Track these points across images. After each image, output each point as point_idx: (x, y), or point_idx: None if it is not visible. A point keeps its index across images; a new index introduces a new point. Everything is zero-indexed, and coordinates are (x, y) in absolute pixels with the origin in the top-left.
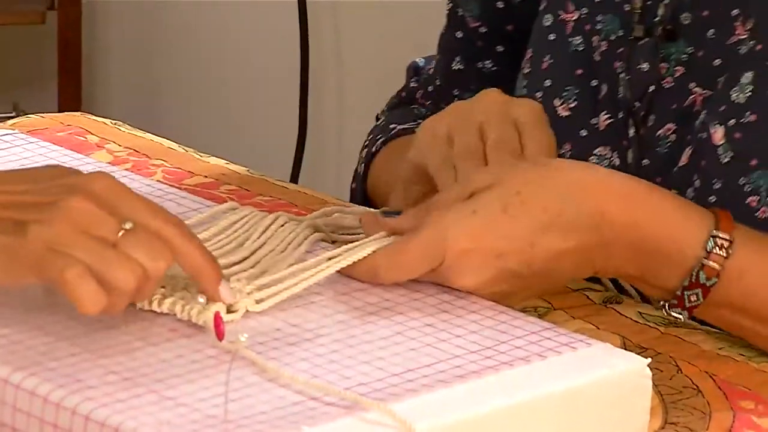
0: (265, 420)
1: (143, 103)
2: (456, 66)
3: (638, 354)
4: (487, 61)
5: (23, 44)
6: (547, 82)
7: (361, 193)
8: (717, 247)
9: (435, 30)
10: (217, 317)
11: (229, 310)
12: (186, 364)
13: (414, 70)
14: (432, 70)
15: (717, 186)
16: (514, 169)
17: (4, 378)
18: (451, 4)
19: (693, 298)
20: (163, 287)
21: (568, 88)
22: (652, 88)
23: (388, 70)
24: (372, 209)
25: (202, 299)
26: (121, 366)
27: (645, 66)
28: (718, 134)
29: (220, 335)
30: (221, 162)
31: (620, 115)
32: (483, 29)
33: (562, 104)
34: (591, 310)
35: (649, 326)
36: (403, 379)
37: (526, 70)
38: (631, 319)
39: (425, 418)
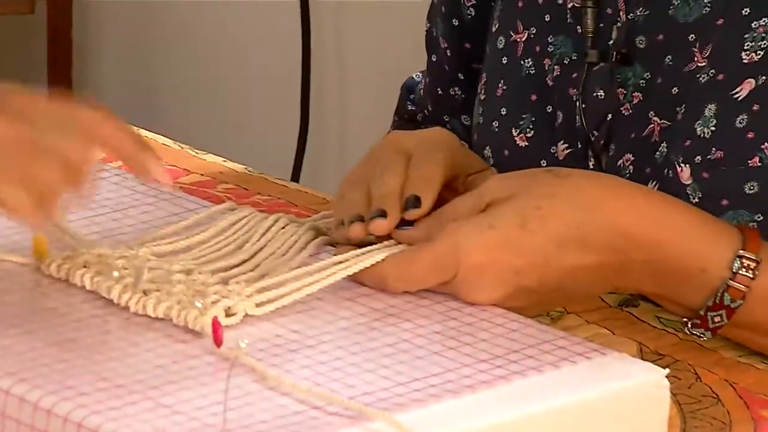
0: (265, 429)
1: (138, 99)
2: (439, 91)
3: (655, 361)
4: (456, 88)
5: (10, 35)
6: (503, 110)
7: None
8: (743, 268)
9: None
10: (215, 322)
11: (228, 314)
12: (183, 371)
13: (408, 89)
14: (422, 91)
15: None
16: (533, 180)
17: None
18: (428, 24)
19: (717, 319)
20: (157, 291)
21: (525, 116)
22: (609, 116)
23: (390, 70)
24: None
25: (199, 303)
26: (114, 372)
27: (601, 93)
28: (684, 173)
29: (218, 341)
30: (219, 159)
31: (579, 145)
32: (448, 51)
33: (519, 134)
34: (606, 313)
35: (667, 331)
36: (409, 388)
37: (482, 96)
38: (649, 323)
39: (433, 430)
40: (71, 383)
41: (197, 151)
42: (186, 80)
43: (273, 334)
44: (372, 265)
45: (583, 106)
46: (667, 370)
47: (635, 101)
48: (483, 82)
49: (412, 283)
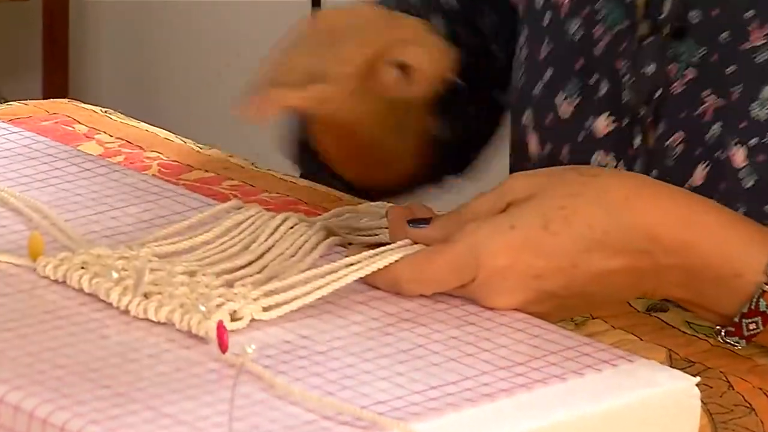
0: None
1: (137, 90)
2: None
3: (685, 368)
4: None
5: (4, 23)
6: (547, 74)
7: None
8: None
9: None
10: (221, 327)
11: (233, 318)
12: (186, 379)
13: None
14: None
15: (740, 211)
16: (557, 178)
17: None
18: None
19: (752, 326)
20: (159, 293)
21: (571, 82)
22: (659, 92)
23: None
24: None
25: (203, 307)
26: (113, 380)
27: (651, 68)
28: (739, 156)
29: (223, 347)
30: (223, 155)
31: (625, 121)
32: None
33: (564, 101)
34: (633, 318)
35: (698, 337)
36: (425, 397)
37: (523, 56)
38: (678, 329)
39: None
40: (68, 391)
41: (201, 146)
42: (189, 72)
43: (281, 339)
44: (385, 267)
45: (632, 80)
46: (698, 379)
47: (688, 78)
48: (524, 39)
49: (427, 285)
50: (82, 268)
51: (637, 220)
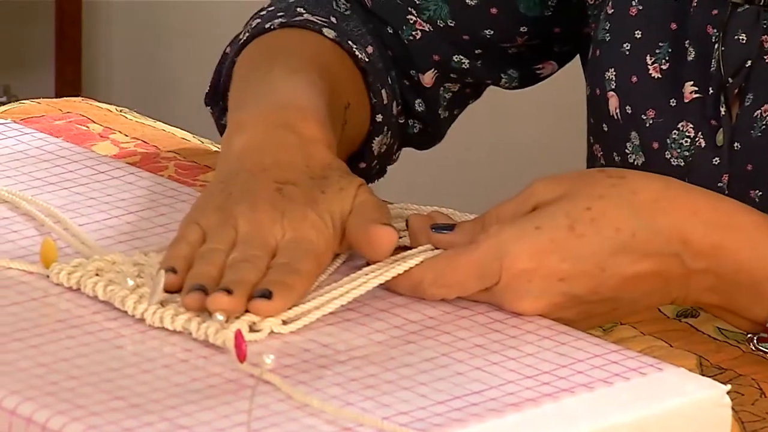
0: None
1: (150, 88)
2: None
3: (716, 376)
4: None
5: (15, 18)
6: (638, 33)
7: (231, 63)
8: None
9: None
10: (238, 336)
11: (251, 329)
12: (202, 389)
13: None
14: None
15: None
16: (584, 181)
17: None
18: None
19: None
20: (176, 302)
21: (662, 44)
22: (749, 63)
23: None
24: (422, 212)
25: (221, 316)
26: (128, 390)
27: (743, 37)
28: None
29: (241, 356)
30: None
31: (711, 91)
32: None
33: (653, 63)
34: (663, 324)
35: (729, 344)
36: (449, 407)
37: (610, 10)
38: (709, 335)
39: None
40: (82, 402)
41: (218, 146)
42: (204, 70)
43: (301, 348)
44: (406, 271)
45: (722, 48)
46: (728, 387)
47: None
48: None
49: (450, 289)
50: (97, 275)
51: (666, 223)
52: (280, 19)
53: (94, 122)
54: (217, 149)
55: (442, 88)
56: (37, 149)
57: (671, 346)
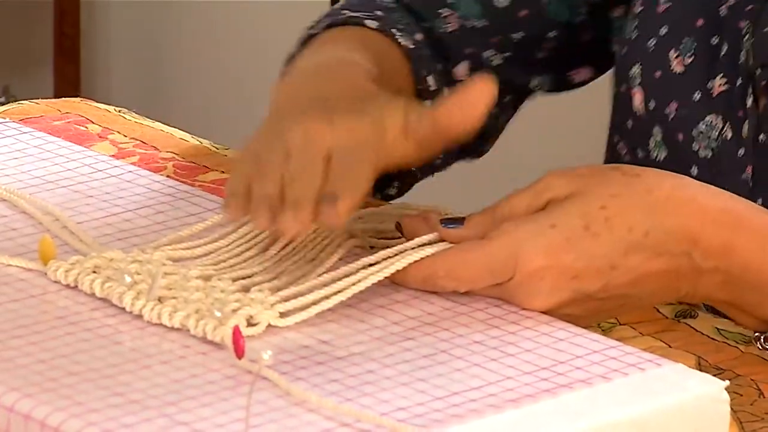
0: None
1: (149, 88)
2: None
3: (715, 376)
4: None
5: (14, 19)
6: (663, 30)
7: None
8: None
9: None
10: (236, 332)
11: (249, 324)
12: (201, 385)
13: None
14: None
15: None
16: (598, 177)
17: None
18: None
19: None
20: (173, 298)
21: (686, 39)
22: None
23: None
24: (413, 212)
25: (218, 312)
26: (127, 387)
27: None
28: None
29: (239, 353)
30: None
31: (739, 82)
32: None
33: (677, 57)
34: (661, 325)
35: (728, 344)
36: (447, 403)
37: (638, 9)
38: (708, 335)
39: None
40: (81, 399)
41: (217, 146)
42: (202, 71)
43: (299, 344)
44: (418, 262)
45: (752, 41)
46: (727, 383)
47: None
48: None
49: (463, 283)
50: (95, 272)
51: (677, 222)
52: (324, 23)
53: (93, 122)
54: (215, 149)
55: None
56: (36, 148)
57: (670, 346)
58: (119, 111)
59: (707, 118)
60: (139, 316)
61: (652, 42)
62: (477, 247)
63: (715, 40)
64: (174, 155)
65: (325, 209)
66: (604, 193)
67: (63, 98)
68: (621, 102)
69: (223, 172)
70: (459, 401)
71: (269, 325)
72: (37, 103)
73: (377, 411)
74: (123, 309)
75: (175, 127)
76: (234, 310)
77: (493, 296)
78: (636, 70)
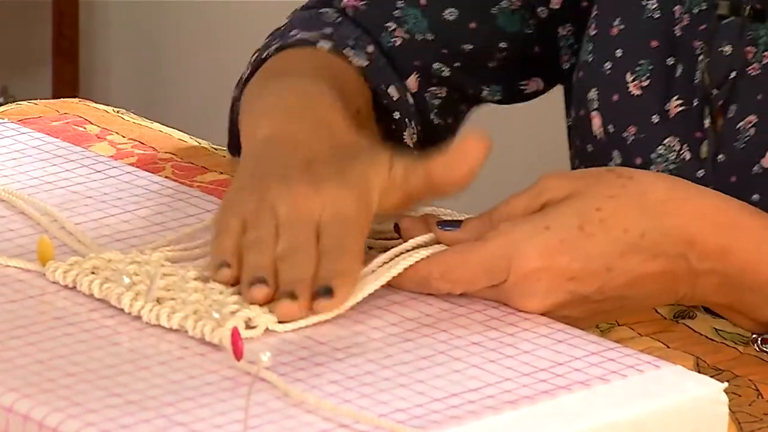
0: None
1: (149, 89)
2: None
3: (713, 377)
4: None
5: (13, 20)
6: (618, 52)
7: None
8: None
9: None
10: (235, 334)
11: (248, 326)
12: (199, 386)
13: None
14: None
15: None
16: (593, 179)
17: None
18: None
19: None
20: (172, 299)
21: (642, 62)
22: (733, 74)
23: None
24: (412, 214)
25: (217, 314)
26: (125, 387)
27: (728, 49)
28: None
29: (238, 354)
30: (238, 157)
31: (695, 103)
32: None
33: (634, 80)
34: (660, 325)
35: (726, 345)
36: (446, 404)
37: (593, 32)
38: (706, 336)
39: None
40: (79, 399)
41: (216, 147)
42: (204, 73)
43: (298, 346)
44: (413, 265)
45: (707, 60)
46: (725, 384)
47: (766, 61)
48: (594, 15)
49: (459, 284)
50: (93, 273)
51: (673, 224)
52: (275, 45)
53: (92, 123)
54: (214, 150)
55: (428, 94)
56: (34, 149)
57: (668, 347)
58: (118, 111)
59: (665, 141)
60: (138, 317)
61: (608, 65)
62: (472, 248)
63: (670, 61)
64: (172, 156)
65: (322, 302)
66: (599, 194)
67: (61, 99)
68: (580, 126)
69: (221, 172)
70: (457, 402)
71: (267, 328)
72: (35, 104)
73: (376, 412)
74: (121, 310)
75: (173, 128)
76: (232, 312)
77: (489, 298)
78: (593, 94)
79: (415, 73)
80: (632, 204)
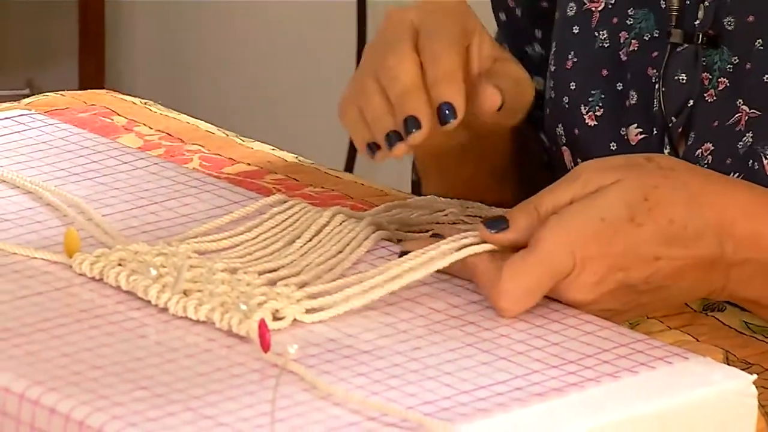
0: None
1: (174, 82)
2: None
3: (743, 371)
4: (535, 45)
5: (38, 12)
6: (572, 85)
7: (419, 184)
8: None
9: None
10: (262, 326)
11: (275, 318)
12: (226, 379)
13: None
14: None
15: None
16: (636, 168)
17: (20, 393)
18: None
19: None
20: (199, 291)
21: (594, 92)
22: (691, 102)
23: None
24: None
25: (244, 306)
26: (152, 380)
27: (683, 77)
28: None
29: (265, 346)
30: (266, 148)
31: (655, 132)
32: (518, 10)
33: (588, 112)
34: (689, 318)
35: (756, 339)
36: (473, 397)
37: (552, 68)
38: (735, 329)
39: None
40: (105, 392)
41: (243, 138)
42: (227, 63)
43: (325, 338)
44: (483, 270)
45: (663, 89)
46: (755, 376)
47: (721, 87)
48: (552, 52)
49: (531, 297)
50: (120, 264)
51: (711, 215)
52: None
53: (119, 114)
54: (241, 141)
55: None
56: (61, 140)
57: (698, 340)
58: (145, 103)
59: None
60: (165, 310)
61: (566, 99)
62: (530, 254)
63: (620, 86)
64: (200, 147)
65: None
66: (645, 184)
67: (88, 90)
68: (556, 161)
69: (249, 164)
70: (485, 395)
71: (295, 319)
72: (62, 95)
73: (403, 405)
74: (148, 302)
75: (200, 120)
76: (260, 304)
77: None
78: (560, 129)
79: None
80: (676, 195)
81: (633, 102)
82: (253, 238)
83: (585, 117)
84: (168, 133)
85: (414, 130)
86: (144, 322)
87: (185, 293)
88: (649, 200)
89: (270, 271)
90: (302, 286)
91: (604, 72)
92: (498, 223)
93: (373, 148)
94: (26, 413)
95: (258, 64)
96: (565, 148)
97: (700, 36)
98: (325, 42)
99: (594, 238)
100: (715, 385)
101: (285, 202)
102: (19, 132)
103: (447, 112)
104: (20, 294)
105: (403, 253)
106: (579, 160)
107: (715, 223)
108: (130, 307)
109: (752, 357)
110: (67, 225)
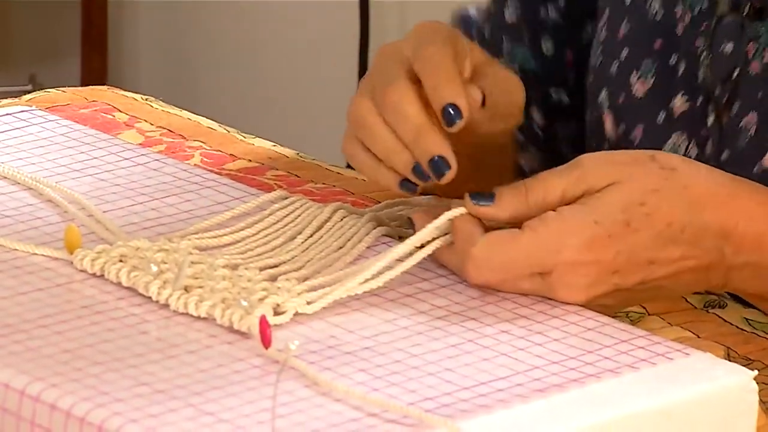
0: None
1: (178, 77)
2: (509, 17)
3: (744, 367)
4: (549, 7)
5: (41, 7)
6: (624, 53)
7: None
8: None
9: None
10: (263, 322)
11: (276, 312)
12: (227, 375)
13: (463, 22)
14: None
15: None
16: (636, 169)
17: (20, 389)
18: None
19: None
20: (200, 287)
21: (645, 61)
22: (736, 72)
23: None
24: (433, 202)
25: (245, 302)
26: (153, 376)
27: (729, 47)
28: None
29: (266, 342)
30: (267, 144)
31: (699, 101)
32: None
33: (638, 80)
34: (690, 315)
35: (757, 335)
36: (474, 393)
37: (602, 36)
38: (737, 326)
39: None
40: (106, 389)
41: (245, 135)
42: (233, 61)
43: (326, 334)
44: (464, 236)
45: (709, 59)
46: (755, 372)
47: (766, 59)
48: (604, 20)
49: (501, 273)
50: (121, 261)
51: (711, 218)
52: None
53: (120, 111)
54: (242, 138)
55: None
56: (62, 136)
57: (699, 336)
58: (146, 99)
59: (672, 139)
60: (166, 306)
61: (614, 67)
62: (520, 235)
63: (673, 60)
64: (201, 144)
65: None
66: (644, 188)
67: (89, 86)
68: (594, 128)
69: (250, 160)
70: (486, 391)
71: (296, 315)
72: (63, 92)
73: (404, 400)
74: (149, 298)
75: (202, 116)
76: (261, 299)
77: (527, 292)
78: (603, 95)
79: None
80: (676, 199)
81: (681, 73)
82: (254, 234)
83: (635, 85)
84: (169, 130)
85: (446, 171)
86: (145, 319)
87: (186, 289)
88: (646, 205)
89: (271, 267)
90: (303, 280)
91: (658, 44)
92: (484, 197)
93: (406, 185)
94: (27, 410)
95: (260, 61)
96: (607, 114)
97: (747, 7)
98: (327, 39)
99: (587, 241)
100: (716, 381)
101: (286, 198)
102: (20, 128)
103: (452, 112)
104: (21, 290)
105: (411, 223)
106: (622, 126)
107: (716, 226)
108: (131, 303)
109: (753, 353)
110: (68, 221)
